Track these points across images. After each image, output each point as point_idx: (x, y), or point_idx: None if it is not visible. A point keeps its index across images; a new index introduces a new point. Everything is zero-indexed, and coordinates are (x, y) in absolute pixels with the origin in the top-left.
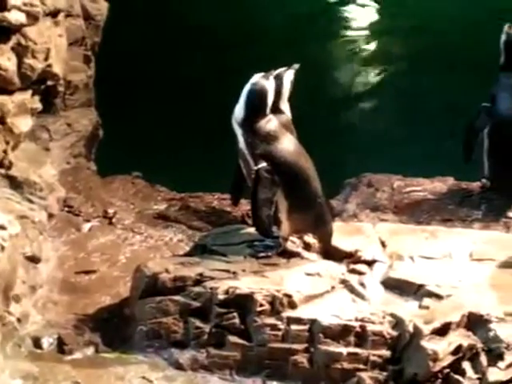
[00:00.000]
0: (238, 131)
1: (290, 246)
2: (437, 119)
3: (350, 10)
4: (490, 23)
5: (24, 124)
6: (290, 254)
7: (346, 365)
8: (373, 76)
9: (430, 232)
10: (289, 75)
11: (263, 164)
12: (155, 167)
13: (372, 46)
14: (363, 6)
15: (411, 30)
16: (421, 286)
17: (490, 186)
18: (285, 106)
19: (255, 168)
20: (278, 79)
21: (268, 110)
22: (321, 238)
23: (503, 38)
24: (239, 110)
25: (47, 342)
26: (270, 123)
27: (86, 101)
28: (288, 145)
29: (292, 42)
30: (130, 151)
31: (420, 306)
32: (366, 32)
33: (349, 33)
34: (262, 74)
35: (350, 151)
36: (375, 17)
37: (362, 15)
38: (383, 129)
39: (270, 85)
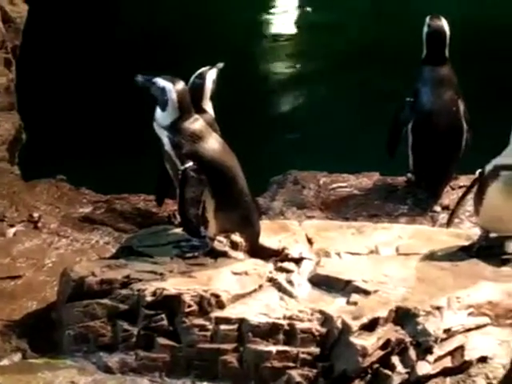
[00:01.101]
0: (163, 134)
1: (216, 245)
2: (362, 115)
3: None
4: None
5: None
6: (217, 254)
7: (275, 363)
8: (298, 71)
9: (357, 228)
10: (211, 74)
11: (190, 163)
12: (80, 170)
13: (299, 40)
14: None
15: (336, 24)
16: (348, 282)
17: (415, 180)
18: (208, 105)
19: (182, 168)
20: (201, 78)
21: (192, 109)
22: (248, 236)
23: (425, 29)
24: (165, 114)
25: None
26: (195, 122)
27: (7, 104)
28: (214, 143)
29: (215, 36)
30: (54, 154)
31: (348, 302)
32: (293, 26)
33: (274, 27)
34: (168, 77)
35: (275, 149)
36: (300, 11)
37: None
38: (309, 126)
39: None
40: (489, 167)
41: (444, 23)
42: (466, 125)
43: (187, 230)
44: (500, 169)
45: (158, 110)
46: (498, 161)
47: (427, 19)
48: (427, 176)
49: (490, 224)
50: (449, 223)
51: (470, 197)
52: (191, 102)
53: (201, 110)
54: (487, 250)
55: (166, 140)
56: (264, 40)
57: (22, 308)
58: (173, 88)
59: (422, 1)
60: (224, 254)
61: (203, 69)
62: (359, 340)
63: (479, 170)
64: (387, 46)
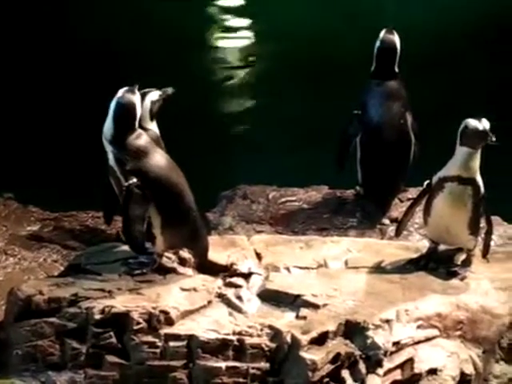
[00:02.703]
0: (108, 148)
1: (165, 261)
2: (309, 128)
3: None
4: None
5: None
6: (165, 270)
7: (225, 379)
8: (245, 82)
9: (305, 242)
10: (152, 96)
11: (133, 180)
12: (27, 187)
13: (248, 49)
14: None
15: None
16: (297, 297)
17: (364, 193)
18: (150, 124)
19: (125, 184)
20: (141, 99)
21: (136, 125)
22: (196, 252)
23: (377, 44)
24: (108, 127)
25: None
26: (139, 138)
27: None
28: (159, 159)
29: (164, 55)
30: (0, 172)
31: (297, 317)
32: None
33: (221, 42)
34: (127, 88)
35: (224, 163)
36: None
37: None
38: (257, 140)
39: (136, 98)
40: (435, 179)
41: (396, 39)
42: (414, 138)
43: (132, 247)
44: (444, 180)
45: (107, 122)
46: (442, 172)
47: (381, 33)
48: (375, 189)
49: (437, 235)
50: (397, 233)
51: (419, 209)
52: (133, 119)
53: (144, 130)
54: (436, 263)
55: (110, 155)
56: (211, 51)
57: None
58: (116, 99)
59: None
60: (172, 271)
61: (146, 90)
62: (309, 354)
63: (427, 181)
64: (338, 59)
